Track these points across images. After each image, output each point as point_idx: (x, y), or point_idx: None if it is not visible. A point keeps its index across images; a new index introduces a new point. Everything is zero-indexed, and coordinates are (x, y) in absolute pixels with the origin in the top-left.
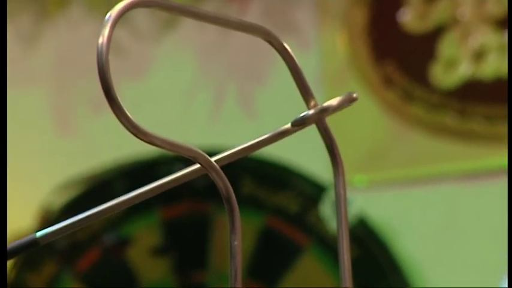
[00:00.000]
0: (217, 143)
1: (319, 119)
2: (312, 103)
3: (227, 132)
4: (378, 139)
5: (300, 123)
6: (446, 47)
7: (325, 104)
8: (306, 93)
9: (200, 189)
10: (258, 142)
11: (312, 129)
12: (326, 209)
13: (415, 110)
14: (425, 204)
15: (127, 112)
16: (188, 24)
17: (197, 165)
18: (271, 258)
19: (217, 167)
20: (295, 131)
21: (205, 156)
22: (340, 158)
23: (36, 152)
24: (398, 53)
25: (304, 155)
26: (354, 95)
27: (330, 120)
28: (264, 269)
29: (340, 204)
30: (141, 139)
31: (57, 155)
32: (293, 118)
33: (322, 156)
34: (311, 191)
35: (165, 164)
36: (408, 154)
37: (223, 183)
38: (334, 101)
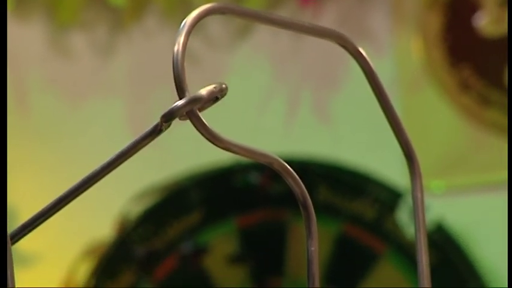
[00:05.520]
0: (292, 150)
1: (191, 112)
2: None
3: (302, 139)
4: (454, 144)
5: (168, 118)
6: None
7: (196, 94)
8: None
9: (275, 196)
10: (127, 147)
11: (387, 135)
12: (403, 216)
13: (492, 114)
14: (504, 209)
15: (203, 119)
16: (262, 32)
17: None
18: (347, 265)
19: (294, 172)
20: (166, 128)
21: (280, 162)
22: (416, 161)
23: None
24: (474, 58)
25: (380, 161)
26: (223, 86)
27: (408, 126)
28: (340, 277)
29: (417, 207)
30: (218, 146)
31: (134, 164)
32: (367, 125)
33: (398, 161)
34: (387, 198)
35: (240, 172)
36: (486, 159)
37: (300, 189)
38: (203, 91)
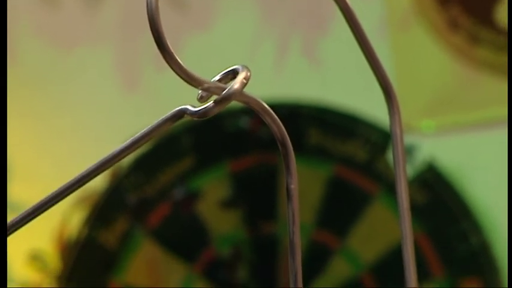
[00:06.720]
0: (282, 94)
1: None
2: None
3: (292, 83)
4: (444, 83)
5: (202, 116)
6: None
7: (227, 90)
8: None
9: (266, 140)
10: (148, 131)
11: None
12: None
13: (482, 52)
14: (494, 146)
15: (179, 60)
16: None
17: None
18: (340, 207)
19: (271, 110)
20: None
21: (258, 101)
22: (394, 96)
23: (104, 109)
24: None
25: (371, 102)
26: (249, 73)
27: (397, 66)
28: (333, 219)
29: (396, 144)
30: (194, 86)
31: (125, 111)
32: (357, 67)
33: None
34: (378, 139)
35: (230, 117)
36: (476, 97)
37: (277, 126)
38: (236, 85)
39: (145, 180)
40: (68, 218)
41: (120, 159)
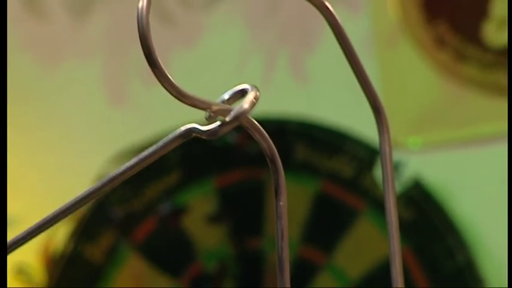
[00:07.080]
0: (270, 109)
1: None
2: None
3: (279, 99)
4: (431, 100)
5: (211, 136)
6: (499, 4)
7: (236, 110)
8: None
9: (253, 155)
10: (154, 150)
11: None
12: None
13: (468, 70)
14: (480, 164)
15: (169, 76)
16: None
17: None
18: (326, 223)
19: (260, 127)
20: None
21: (247, 117)
22: (384, 113)
23: (91, 123)
24: (450, 13)
25: (358, 118)
26: (257, 93)
27: (384, 83)
28: (319, 235)
29: (385, 162)
30: (184, 102)
31: (112, 125)
32: (344, 83)
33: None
34: (365, 155)
35: None
36: (462, 114)
37: (267, 143)
38: (246, 104)
39: (131, 195)
40: (53, 232)
41: (126, 177)
